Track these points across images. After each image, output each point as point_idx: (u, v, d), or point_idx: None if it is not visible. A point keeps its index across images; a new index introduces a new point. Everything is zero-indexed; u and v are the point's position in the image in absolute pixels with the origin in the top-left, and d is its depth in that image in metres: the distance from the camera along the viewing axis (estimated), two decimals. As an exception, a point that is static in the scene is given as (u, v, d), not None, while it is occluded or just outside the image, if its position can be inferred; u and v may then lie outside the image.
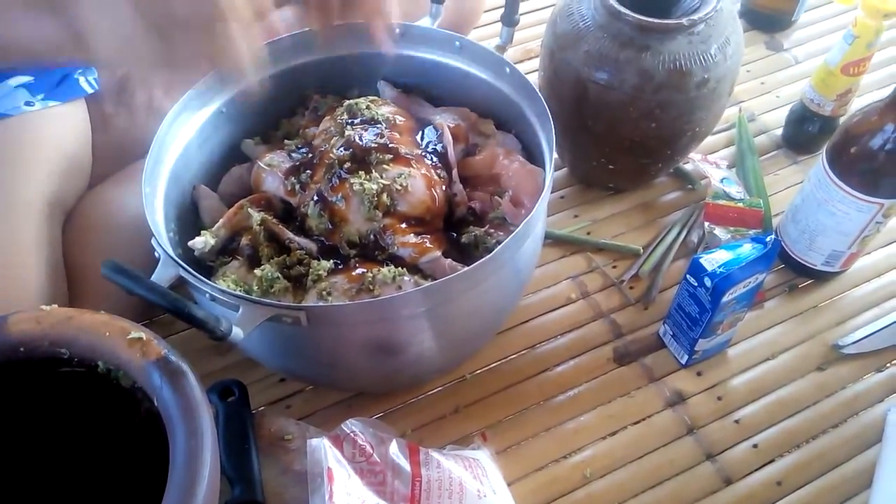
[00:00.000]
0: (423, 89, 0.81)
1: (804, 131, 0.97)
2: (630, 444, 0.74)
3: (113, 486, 0.56)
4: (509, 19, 0.74)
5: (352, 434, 0.64)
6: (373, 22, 0.66)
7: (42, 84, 0.76)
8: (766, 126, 1.02)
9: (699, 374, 0.79)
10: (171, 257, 0.59)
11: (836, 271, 0.85)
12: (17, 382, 0.49)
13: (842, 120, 0.93)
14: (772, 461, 0.73)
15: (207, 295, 0.58)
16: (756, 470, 0.72)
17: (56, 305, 0.49)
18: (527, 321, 0.83)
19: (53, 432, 0.54)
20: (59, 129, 0.75)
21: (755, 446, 0.74)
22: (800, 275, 0.86)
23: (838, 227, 0.78)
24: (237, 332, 0.54)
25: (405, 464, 0.63)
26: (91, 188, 0.80)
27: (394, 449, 0.64)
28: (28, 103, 0.74)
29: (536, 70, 0.90)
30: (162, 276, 0.59)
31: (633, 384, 0.78)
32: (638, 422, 0.76)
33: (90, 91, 0.80)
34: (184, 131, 0.71)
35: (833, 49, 0.88)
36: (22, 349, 0.47)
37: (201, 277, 0.58)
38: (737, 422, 0.76)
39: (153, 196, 0.66)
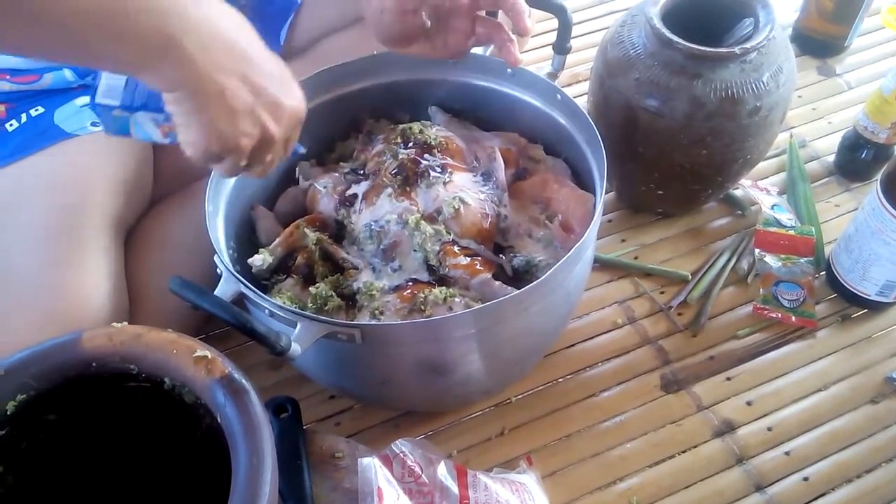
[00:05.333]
0: (473, 114, 0.82)
1: (857, 158, 0.96)
2: (677, 472, 0.74)
3: (173, 498, 0.57)
4: (561, 47, 0.75)
5: (401, 454, 0.64)
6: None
7: (108, 105, 0.79)
8: (818, 152, 1.01)
9: (749, 403, 0.78)
10: (233, 274, 0.61)
11: (890, 302, 0.83)
12: (88, 396, 0.51)
13: (897, 148, 0.92)
14: (823, 495, 0.72)
15: (267, 311, 0.60)
16: (807, 504, 0.71)
17: (126, 323, 0.51)
18: (573, 345, 0.83)
19: (119, 444, 0.55)
20: (123, 149, 0.78)
21: (806, 479, 0.73)
22: (853, 305, 0.85)
23: (893, 257, 0.77)
24: (295, 348, 0.55)
25: (453, 486, 0.64)
26: (151, 207, 0.83)
27: (442, 471, 0.65)
28: (94, 123, 0.77)
29: (584, 94, 0.91)
30: (223, 291, 0.61)
31: (681, 412, 0.78)
32: (685, 450, 0.75)
33: (154, 112, 0.83)
34: (243, 153, 0.73)
35: (888, 76, 0.87)
36: (94, 364, 0.49)
37: (262, 294, 0.60)
38: (787, 453, 0.74)
39: (215, 215, 0.68)
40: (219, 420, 0.48)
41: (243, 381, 0.48)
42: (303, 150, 0.66)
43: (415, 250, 0.69)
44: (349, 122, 0.83)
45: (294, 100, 0.55)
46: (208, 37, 0.48)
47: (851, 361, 0.81)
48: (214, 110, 0.49)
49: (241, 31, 0.51)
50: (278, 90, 0.53)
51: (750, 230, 0.92)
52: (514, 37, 0.70)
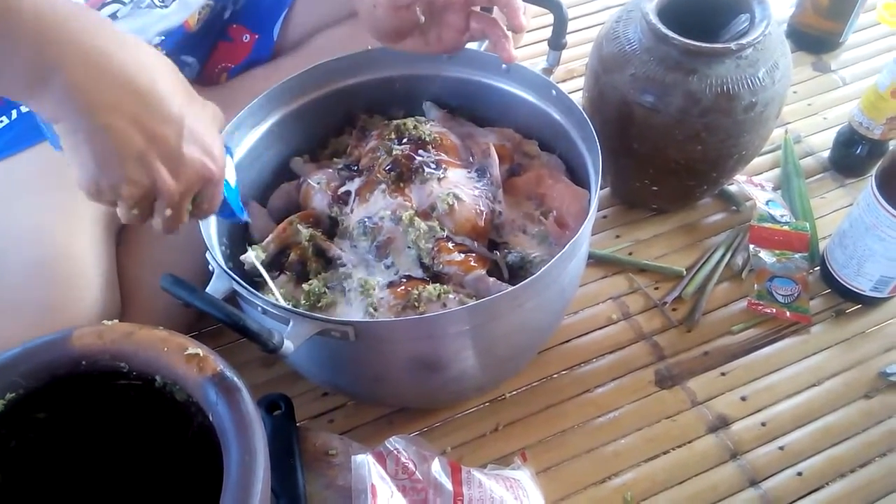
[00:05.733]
0: (467, 110, 0.82)
1: (852, 154, 0.96)
2: (672, 468, 0.74)
3: (165, 497, 0.57)
4: (556, 43, 0.74)
5: (395, 451, 0.64)
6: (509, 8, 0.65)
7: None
8: (813, 148, 1.01)
9: (743, 398, 0.78)
10: (225, 271, 0.61)
11: (884, 297, 0.83)
12: (78, 394, 0.51)
13: (892, 144, 0.92)
14: (817, 490, 0.72)
15: (259, 308, 0.59)
16: (801, 498, 0.72)
17: (117, 320, 0.50)
18: (567, 341, 0.83)
19: (109, 443, 0.55)
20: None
21: (800, 474, 0.73)
22: (847, 300, 0.85)
23: (887, 252, 0.77)
24: (288, 346, 0.55)
25: (447, 482, 0.64)
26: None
27: (436, 467, 0.64)
28: None
29: (579, 90, 0.91)
30: (215, 289, 0.61)
31: (675, 407, 0.78)
32: (680, 446, 0.75)
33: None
34: (236, 149, 0.73)
35: (883, 72, 0.87)
36: (84, 363, 0.49)
37: (254, 291, 0.59)
38: (781, 448, 0.75)
39: (207, 212, 0.67)
40: (210, 418, 0.47)
41: (235, 378, 0.48)
42: (245, 219, 0.64)
43: (409, 247, 0.68)
44: (343, 117, 0.82)
45: (204, 156, 0.51)
46: (100, 71, 0.44)
47: (845, 357, 0.81)
48: (94, 150, 0.46)
49: (151, 73, 0.47)
50: (184, 142, 0.48)
51: (744, 226, 0.92)
52: (508, 33, 0.70)
